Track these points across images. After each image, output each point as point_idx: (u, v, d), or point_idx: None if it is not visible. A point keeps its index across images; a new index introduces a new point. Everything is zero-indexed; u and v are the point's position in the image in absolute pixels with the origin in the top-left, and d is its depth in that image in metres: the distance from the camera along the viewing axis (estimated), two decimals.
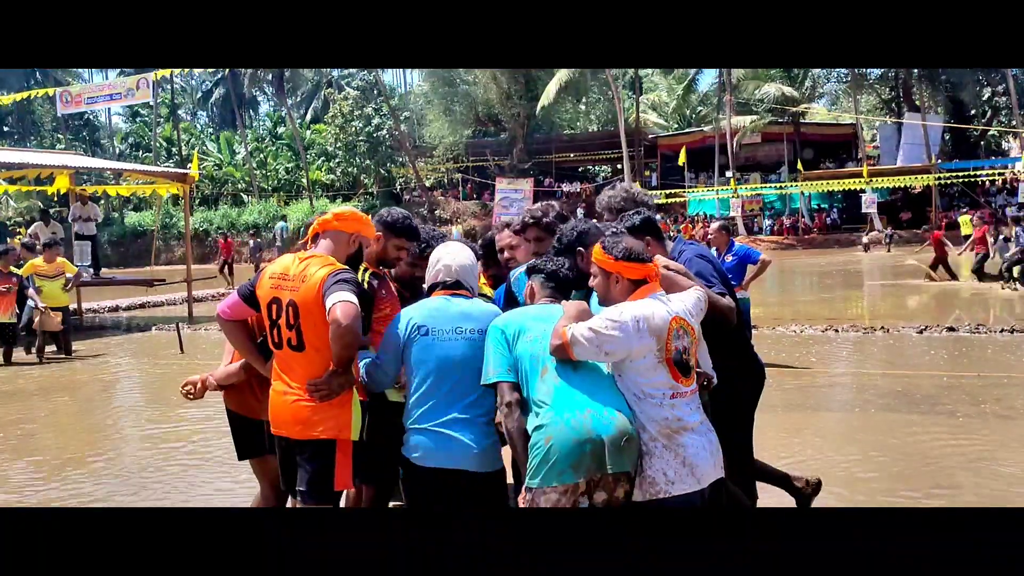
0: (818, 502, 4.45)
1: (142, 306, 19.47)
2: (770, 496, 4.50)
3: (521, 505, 3.04)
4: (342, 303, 3.09)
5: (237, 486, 5.52)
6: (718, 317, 3.53)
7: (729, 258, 8.86)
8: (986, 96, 41.94)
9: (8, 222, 40.51)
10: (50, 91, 28.28)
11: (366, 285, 3.60)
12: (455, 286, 3.45)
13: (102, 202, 38.60)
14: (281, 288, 3.35)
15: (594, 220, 3.99)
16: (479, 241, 4.64)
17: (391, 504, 3.96)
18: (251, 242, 28.56)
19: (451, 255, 3.52)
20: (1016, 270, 16.51)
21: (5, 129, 54.31)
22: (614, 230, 3.59)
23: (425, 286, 3.62)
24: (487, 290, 4.32)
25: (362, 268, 3.70)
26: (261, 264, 25.50)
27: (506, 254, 4.22)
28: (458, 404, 3.24)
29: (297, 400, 3.29)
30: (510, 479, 3.69)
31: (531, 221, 4.03)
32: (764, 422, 6.71)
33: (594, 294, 3.38)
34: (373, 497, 3.77)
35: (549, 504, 2.91)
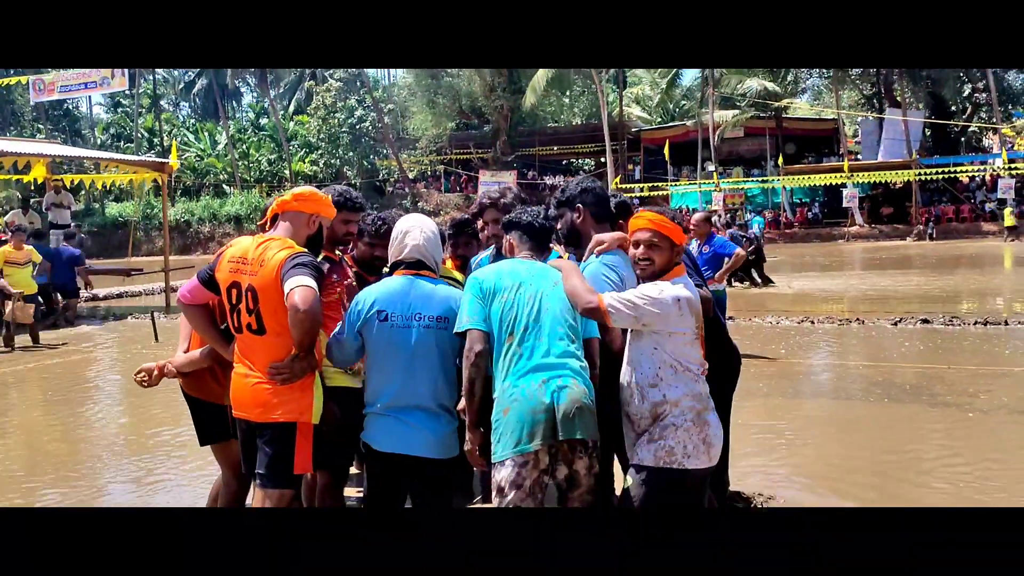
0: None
1: (120, 296, 19.32)
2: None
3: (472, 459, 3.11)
4: (300, 288, 3.05)
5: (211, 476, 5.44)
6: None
7: (707, 249, 8.91)
8: (967, 92, 42.26)
9: None
10: (23, 79, 27.73)
11: None
12: (417, 265, 3.33)
13: (83, 192, 38.20)
14: (240, 272, 3.30)
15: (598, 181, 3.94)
16: (448, 223, 4.60)
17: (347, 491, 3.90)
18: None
19: (415, 231, 3.35)
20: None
21: None
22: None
23: (388, 263, 3.49)
24: (455, 273, 4.28)
25: None
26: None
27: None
28: (415, 392, 3.20)
29: (258, 383, 3.26)
30: None
31: (487, 203, 4.04)
32: (781, 410, 6.85)
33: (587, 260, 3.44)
34: (328, 483, 3.71)
35: (510, 476, 2.93)
